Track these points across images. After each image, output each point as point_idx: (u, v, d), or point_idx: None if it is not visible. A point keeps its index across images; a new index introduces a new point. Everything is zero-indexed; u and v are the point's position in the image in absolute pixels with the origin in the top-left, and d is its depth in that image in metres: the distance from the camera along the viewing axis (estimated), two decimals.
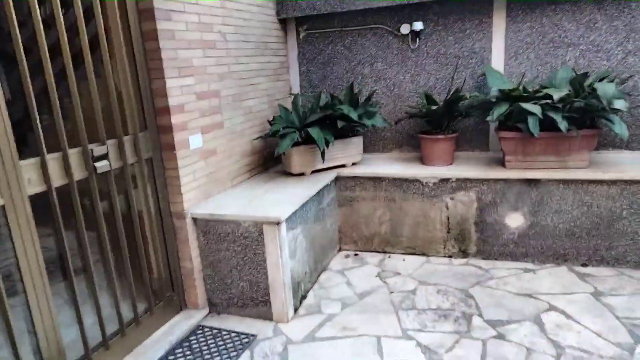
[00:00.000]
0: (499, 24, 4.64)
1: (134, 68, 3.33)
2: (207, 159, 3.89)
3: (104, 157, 3.02)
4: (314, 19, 5.14)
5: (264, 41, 4.77)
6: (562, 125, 3.68)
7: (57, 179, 2.71)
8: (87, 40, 2.88)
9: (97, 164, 2.94)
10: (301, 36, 5.24)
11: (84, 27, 2.87)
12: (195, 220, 3.67)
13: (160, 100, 3.44)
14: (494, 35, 4.67)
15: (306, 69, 5.31)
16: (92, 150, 2.92)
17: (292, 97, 5.07)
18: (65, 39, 2.74)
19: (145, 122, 3.42)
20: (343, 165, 4.76)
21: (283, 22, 5.16)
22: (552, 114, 3.73)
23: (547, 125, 3.87)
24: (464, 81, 4.78)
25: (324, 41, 5.19)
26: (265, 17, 4.79)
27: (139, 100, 3.38)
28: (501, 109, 3.93)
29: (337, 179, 4.67)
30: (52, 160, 2.68)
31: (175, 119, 3.49)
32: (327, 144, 4.27)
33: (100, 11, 3.00)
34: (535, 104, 3.87)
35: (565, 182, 4.00)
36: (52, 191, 2.65)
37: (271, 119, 4.88)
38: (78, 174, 2.85)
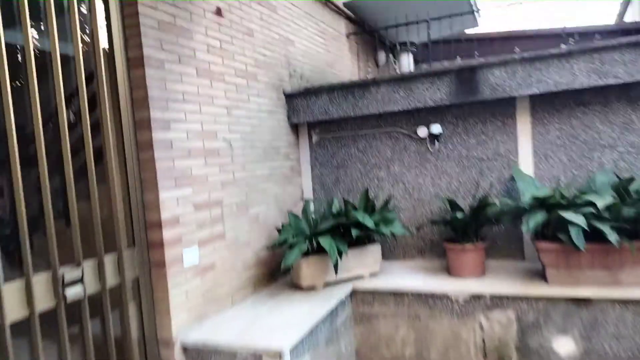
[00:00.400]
0: (524, 125, 4.34)
1: (124, 179, 3.07)
2: (204, 276, 3.46)
3: (78, 281, 2.63)
4: (326, 123, 4.98)
5: (274, 146, 4.56)
6: (613, 237, 3.17)
7: (15, 310, 2.31)
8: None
9: (68, 291, 2.55)
10: (314, 140, 5.04)
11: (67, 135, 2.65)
12: (185, 349, 3.15)
13: (152, 213, 3.12)
14: (519, 137, 4.36)
15: (319, 172, 5.05)
16: (63, 275, 2.54)
17: (303, 202, 4.74)
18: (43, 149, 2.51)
19: (134, 238, 3.08)
20: (360, 276, 4.25)
21: (295, 127, 5.01)
22: (598, 225, 3.24)
23: (592, 235, 3.36)
24: (491, 186, 4.38)
25: (338, 144, 4.97)
26: (276, 122, 4.64)
27: (129, 213, 3.07)
28: (537, 219, 3.47)
29: (353, 293, 4.13)
30: (11, 289, 2.30)
31: (168, 234, 3.14)
32: (340, 254, 3.82)
33: (87, 121, 2.81)
34: (576, 212, 3.40)
35: (622, 302, 3.38)
36: (6, 328, 2.24)
37: (280, 226, 4.51)
38: (42, 303, 2.45)
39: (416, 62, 7.61)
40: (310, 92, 4.76)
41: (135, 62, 3.11)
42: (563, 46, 4.26)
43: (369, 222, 3.96)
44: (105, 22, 3.05)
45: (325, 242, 3.84)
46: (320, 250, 3.99)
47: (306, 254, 3.99)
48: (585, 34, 6.88)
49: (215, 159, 3.69)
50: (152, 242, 3.14)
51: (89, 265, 2.73)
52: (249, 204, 4.09)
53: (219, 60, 3.82)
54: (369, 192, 4.69)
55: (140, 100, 3.11)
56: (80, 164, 2.81)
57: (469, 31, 8.13)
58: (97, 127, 2.95)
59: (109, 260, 2.87)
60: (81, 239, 2.69)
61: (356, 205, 4.36)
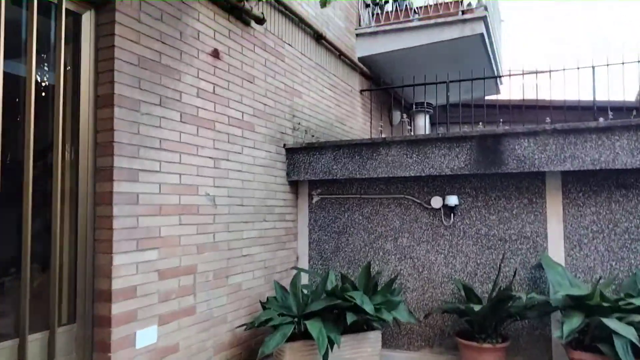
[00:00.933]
0: (554, 205, 3.77)
1: (73, 237, 2.54)
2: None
3: None
4: (329, 183, 4.46)
5: (267, 205, 4.03)
6: None
7: None
8: None
9: None
10: (314, 200, 4.51)
11: None
12: None
13: (101, 281, 2.56)
14: (549, 218, 3.77)
15: (317, 237, 4.47)
16: None
17: (295, 272, 4.13)
18: None
19: (75, 312, 2.50)
20: None
21: (294, 184, 4.50)
22: None
23: None
24: (515, 274, 3.74)
25: (340, 208, 4.43)
26: (272, 178, 4.13)
27: (72, 280, 2.51)
28: (573, 323, 2.83)
29: None
30: None
31: (119, 308, 2.56)
32: (331, 345, 3.17)
33: (30, 165, 2.32)
34: (622, 319, 2.75)
35: None
36: None
37: (266, 299, 3.88)
38: None
39: (432, 124, 7.19)
40: (314, 148, 4.29)
41: (105, 101, 2.66)
42: (601, 120, 3.76)
43: (368, 306, 3.33)
44: (72, 51, 2.64)
45: (314, 328, 3.20)
46: (308, 335, 3.34)
47: (292, 337, 3.34)
48: (620, 109, 6.42)
49: (193, 218, 3.16)
50: (97, 318, 2.55)
51: (5, 348, 2.14)
52: (229, 271, 3.50)
53: (210, 105, 3.38)
54: (372, 267, 4.07)
55: (104, 145, 2.64)
56: (19, 213, 2.30)
57: (489, 98, 7.78)
58: (47, 172, 2.46)
59: (36, 342, 2.28)
60: (9, 311, 2.12)
61: (355, 281, 3.75)
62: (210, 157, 3.36)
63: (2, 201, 2.22)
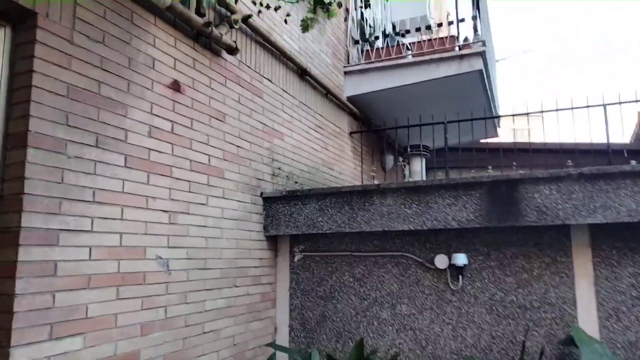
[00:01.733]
0: (583, 265, 3.14)
1: None
2: None
3: None
4: (314, 238, 3.81)
5: (239, 266, 3.35)
6: None
7: None
8: None
9: None
10: (296, 259, 3.84)
11: None
12: None
13: None
14: (577, 280, 3.14)
15: (300, 303, 3.76)
16: None
17: (272, 350, 3.41)
18: None
19: None
20: None
21: (273, 240, 3.84)
22: None
23: None
24: (542, 353, 3.04)
25: (327, 268, 3.75)
26: (246, 233, 3.47)
27: None
28: None
29: None
30: None
31: None
32: None
33: None
34: None
35: None
36: None
37: None
38: None
39: (428, 169, 6.65)
40: (297, 197, 3.67)
41: (16, 141, 2.04)
42: (633, 162, 3.21)
43: None
44: None
45: None
46: None
47: None
48: (620, 152, 5.96)
49: (137, 289, 2.47)
50: None
51: None
52: (187, 354, 2.77)
53: (166, 147, 2.77)
54: (365, 343, 3.35)
55: (10, 199, 1.99)
56: None
57: (485, 140, 7.31)
58: None
59: None
60: None
61: None
62: (164, 211, 2.71)
63: None
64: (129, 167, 2.51)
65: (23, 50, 2.11)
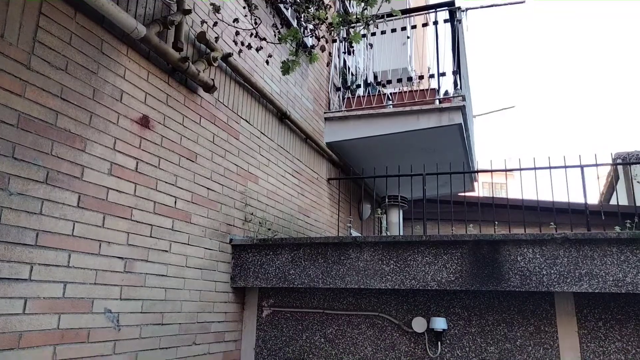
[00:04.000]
0: (568, 337, 2.97)
1: None
2: None
3: None
4: (285, 292, 3.54)
5: (200, 321, 3.04)
6: None
7: None
8: None
9: None
10: (264, 314, 3.54)
11: None
12: None
13: None
14: (562, 354, 2.95)
15: None
16: None
17: None
18: None
19: None
20: None
21: (240, 292, 3.54)
22: None
23: None
24: None
25: (297, 326, 3.46)
26: (211, 284, 3.18)
27: None
28: None
29: None
30: None
31: None
32: None
33: None
34: None
35: None
36: None
37: None
38: None
39: (405, 219, 6.50)
40: (268, 247, 3.42)
41: None
42: (618, 229, 3.13)
43: None
44: None
45: None
46: None
47: None
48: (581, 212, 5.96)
49: (78, 349, 2.14)
50: None
51: None
52: None
53: (127, 187, 2.52)
54: None
55: None
56: None
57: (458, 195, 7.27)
58: None
59: None
60: None
61: None
62: (119, 257, 2.43)
63: None
64: (82, 207, 2.24)
65: None
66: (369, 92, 5.66)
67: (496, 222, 4.04)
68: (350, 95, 5.67)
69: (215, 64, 3.22)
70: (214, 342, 3.17)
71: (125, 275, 2.47)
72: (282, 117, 4.35)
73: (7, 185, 1.90)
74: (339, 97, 5.74)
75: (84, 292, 2.22)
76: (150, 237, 2.67)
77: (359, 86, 5.85)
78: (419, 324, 3.19)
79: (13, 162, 1.93)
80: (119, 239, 2.44)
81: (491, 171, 4.91)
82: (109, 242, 2.38)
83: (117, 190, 2.45)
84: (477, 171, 5.75)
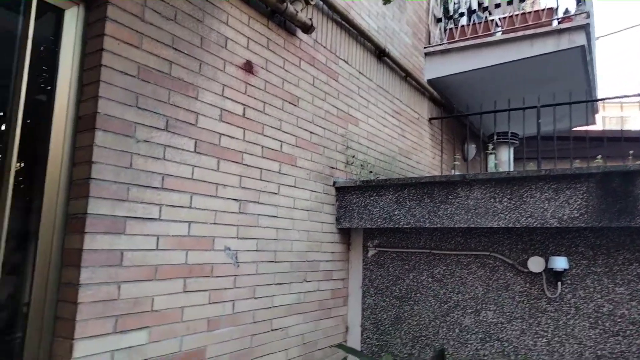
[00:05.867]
0: None
1: (22, 316, 1.79)
2: None
3: None
4: (390, 232, 3.53)
5: (310, 260, 3.16)
6: None
7: None
8: None
9: None
10: (370, 254, 3.58)
11: None
12: None
13: None
14: None
15: (373, 302, 3.51)
16: None
17: (343, 354, 3.20)
18: None
19: None
20: None
21: (345, 233, 3.60)
22: None
23: None
24: None
25: (403, 265, 3.46)
26: (318, 225, 3.27)
27: None
28: None
29: None
30: None
31: None
32: None
33: None
34: None
35: None
36: None
37: None
38: None
39: (516, 159, 6.07)
40: (371, 187, 3.40)
41: (85, 123, 1.95)
42: None
43: None
44: (49, 58, 1.97)
45: None
46: None
47: None
48: None
49: (205, 282, 2.35)
50: None
51: None
52: (255, 352, 2.63)
53: (237, 132, 2.61)
54: (445, 356, 3.04)
55: (79, 184, 1.91)
56: None
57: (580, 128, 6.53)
58: None
59: None
60: None
61: None
62: (234, 199, 2.57)
63: None
64: (199, 153, 2.37)
65: (94, 28, 2.01)
66: (473, 21, 5.19)
67: (631, 153, 3.57)
68: (452, 25, 5.26)
69: (313, 2, 3.13)
70: (323, 280, 3.30)
71: (240, 216, 2.61)
72: (381, 54, 4.17)
73: (134, 133, 2.05)
74: (440, 29, 5.35)
75: (206, 231, 2.39)
76: (260, 180, 2.77)
77: (462, 15, 5.39)
78: (535, 264, 3.00)
79: (137, 111, 2.08)
80: (232, 181, 2.57)
81: (621, 97, 4.31)
82: (224, 185, 2.52)
83: (228, 136, 2.55)
84: (605, 99, 5.10)
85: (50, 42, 1.99)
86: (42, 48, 1.98)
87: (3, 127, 1.84)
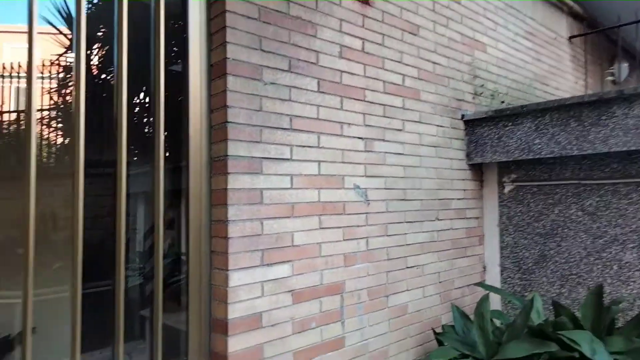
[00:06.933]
0: None
1: (184, 250, 2.00)
2: None
3: None
4: (529, 164, 3.22)
5: (440, 198, 3.04)
6: None
7: None
8: None
9: None
10: (506, 190, 3.32)
11: None
12: None
13: (217, 307, 1.97)
14: None
15: (512, 240, 3.29)
16: None
17: (482, 293, 3.07)
18: None
19: (188, 345, 1.96)
20: None
21: (477, 169, 3.38)
22: None
23: None
24: None
25: (546, 200, 3.15)
26: (446, 161, 3.11)
27: (184, 304, 1.97)
28: None
29: None
30: None
31: (239, 343, 1.94)
32: None
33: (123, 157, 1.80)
34: None
35: None
36: None
37: (441, 323, 2.93)
38: None
39: None
40: (506, 117, 3.10)
41: (217, 70, 2.04)
42: None
43: (602, 358, 2.12)
44: (179, 5, 2.07)
45: None
46: None
47: None
48: None
49: (338, 219, 2.38)
50: (214, 356, 1.97)
51: None
52: (390, 289, 2.64)
53: (357, 68, 2.54)
54: (602, 293, 2.74)
55: (217, 128, 2.02)
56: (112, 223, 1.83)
57: None
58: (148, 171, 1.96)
59: None
60: (85, 340, 1.66)
61: (577, 314, 2.52)
62: (359, 137, 2.53)
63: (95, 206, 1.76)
64: (322, 92, 2.35)
65: None
66: None
67: None
68: None
69: None
70: (455, 219, 3.16)
71: (366, 154, 2.57)
72: None
73: (261, 76, 2.10)
74: None
75: (335, 170, 2.40)
76: (384, 116, 2.69)
77: None
78: None
79: (262, 54, 2.11)
80: (356, 120, 2.52)
81: None
82: (349, 124, 2.48)
83: (348, 73, 2.49)
84: None
85: None
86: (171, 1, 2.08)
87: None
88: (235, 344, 1.92)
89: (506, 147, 3.09)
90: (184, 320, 1.96)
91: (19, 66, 1.71)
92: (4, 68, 1.75)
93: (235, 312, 1.93)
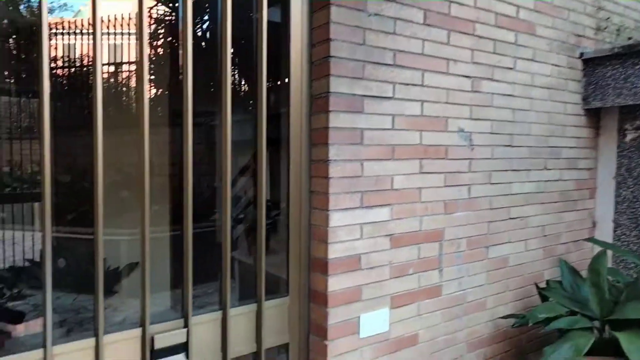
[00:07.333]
0: None
1: (285, 190, 1.98)
2: (396, 354, 2.13)
3: (179, 349, 1.68)
4: None
5: (550, 145, 2.76)
6: None
7: None
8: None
9: None
10: (628, 138, 2.95)
11: None
12: None
13: (317, 246, 1.95)
14: None
15: (631, 195, 2.95)
16: (152, 338, 1.62)
17: (595, 252, 2.82)
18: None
19: (288, 282, 1.98)
20: None
21: (593, 115, 3.02)
22: None
23: None
24: None
25: None
26: (560, 106, 2.80)
27: (285, 243, 1.98)
28: None
29: None
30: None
31: (337, 283, 1.93)
32: None
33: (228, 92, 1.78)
34: None
35: None
36: None
37: (544, 282, 2.75)
38: None
39: None
40: (633, 55, 2.70)
41: (320, 1, 1.91)
42: None
43: None
44: None
45: (630, 345, 1.96)
46: (619, 352, 2.11)
47: (590, 351, 2.17)
48: None
49: (439, 164, 2.24)
50: (313, 294, 1.98)
51: (201, 323, 1.76)
52: (490, 240, 2.49)
53: None
54: None
55: (319, 63, 1.93)
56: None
57: None
58: (249, 105, 1.93)
59: (239, 316, 1.85)
60: (193, 277, 1.73)
61: None
62: (466, 76, 2.32)
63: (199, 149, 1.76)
64: (428, 25, 2.16)
65: None
66: None
67: None
68: None
69: None
70: (565, 169, 2.87)
71: (472, 94, 2.36)
72: None
73: (365, 6, 1.94)
74: None
75: (438, 111, 2.23)
76: (494, 53, 2.43)
77: None
78: None
79: None
80: (463, 56, 2.31)
81: None
82: (455, 61, 2.28)
83: (457, 3, 2.25)
84: None
85: None
86: None
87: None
88: (334, 283, 1.90)
89: (634, 89, 2.70)
90: (284, 259, 1.97)
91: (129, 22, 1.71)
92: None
93: (335, 252, 1.90)
